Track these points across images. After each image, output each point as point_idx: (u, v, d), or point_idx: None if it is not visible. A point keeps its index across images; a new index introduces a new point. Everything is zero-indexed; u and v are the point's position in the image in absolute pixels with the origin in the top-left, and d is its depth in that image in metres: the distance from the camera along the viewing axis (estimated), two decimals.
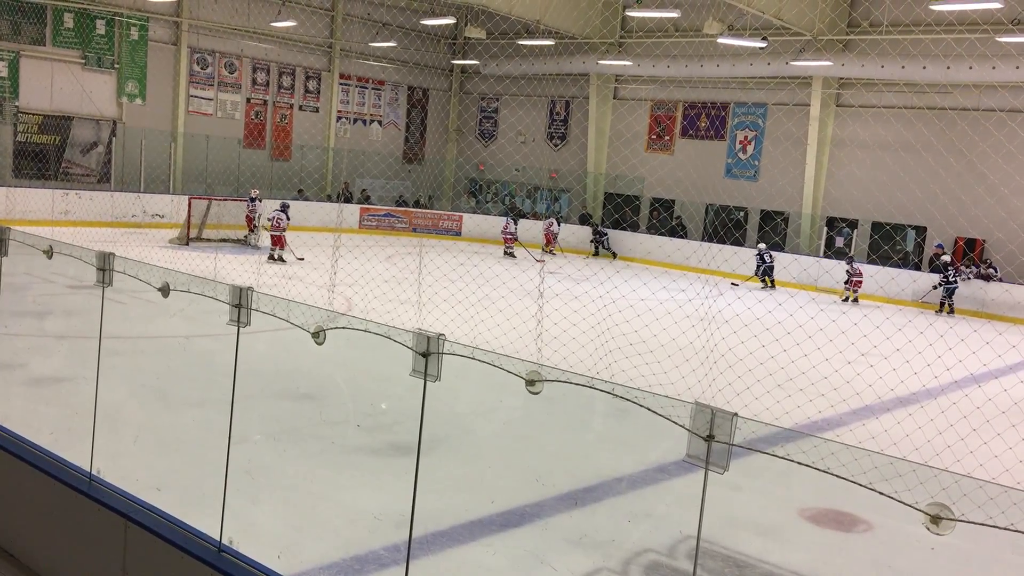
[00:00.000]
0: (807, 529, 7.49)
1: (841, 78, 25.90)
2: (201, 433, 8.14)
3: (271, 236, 21.26)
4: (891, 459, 3.11)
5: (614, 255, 28.22)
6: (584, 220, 30.64)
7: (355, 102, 32.93)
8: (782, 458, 3.18)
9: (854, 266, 22.92)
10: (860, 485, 3.02)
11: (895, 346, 12.51)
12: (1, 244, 6.22)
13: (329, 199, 30.06)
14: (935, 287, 22.10)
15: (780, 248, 26.11)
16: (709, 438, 3.24)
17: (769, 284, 23.78)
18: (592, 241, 28.72)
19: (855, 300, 22.68)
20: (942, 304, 22.02)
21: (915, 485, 3.00)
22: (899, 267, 23.93)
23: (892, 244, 25.25)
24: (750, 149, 28.38)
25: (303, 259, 21.03)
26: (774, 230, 27.02)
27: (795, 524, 7.59)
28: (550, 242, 28.36)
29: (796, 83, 26.32)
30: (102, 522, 5.11)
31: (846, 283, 22.90)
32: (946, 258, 22.34)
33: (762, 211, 27.99)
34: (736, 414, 3.22)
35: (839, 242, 26.38)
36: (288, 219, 21.59)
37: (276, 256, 21.02)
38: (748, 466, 3.40)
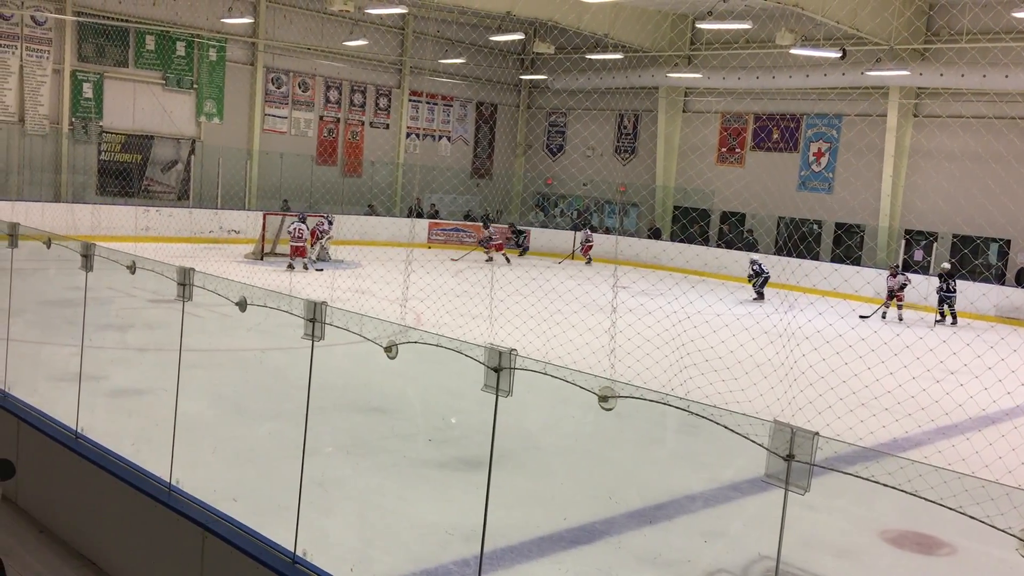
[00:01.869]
0: (888, 552, 7.25)
1: (920, 87, 25.23)
2: (275, 445, 8.27)
3: (291, 247, 21.72)
4: (982, 482, 2.98)
5: (523, 252, 29.66)
6: (656, 235, 30.40)
7: (424, 118, 33.30)
8: (866, 479, 3.07)
9: (900, 276, 21.05)
10: (950, 509, 2.90)
11: (986, 364, 12.07)
12: (87, 260, 6.42)
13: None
14: (940, 298, 20.84)
15: (857, 263, 25.43)
16: (789, 457, 3.15)
17: (759, 296, 22.80)
18: (511, 239, 29.60)
19: (900, 318, 20.72)
20: (942, 314, 20.81)
21: (1008, 509, 2.87)
22: (989, 282, 23.06)
23: (975, 257, 24.41)
24: (824, 161, 27.82)
25: (321, 270, 21.56)
26: (847, 245, 26.38)
27: (875, 546, 7.36)
28: (587, 252, 28.81)
29: (876, 93, 25.72)
30: (181, 531, 5.21)
31: (890, 297, 21.04)
32: (946, 266, 21.16)
33: (837, 224, 27.39)
34: (817, 433, 3.13)
35: (918, 255, 25.63)
36: (308, 229, 21.96)
37: (293, 266, 21.30)
38: (826, 485, 3.30)
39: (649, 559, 6.67)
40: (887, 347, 12.00)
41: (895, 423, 10.08)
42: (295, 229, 21.69)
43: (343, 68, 30.42)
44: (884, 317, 20.83)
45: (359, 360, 9.52)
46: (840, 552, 7.16)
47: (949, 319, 20.64)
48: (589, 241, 29.19)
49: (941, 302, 20.86)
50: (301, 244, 21.59)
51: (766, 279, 22.87)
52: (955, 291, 20.69)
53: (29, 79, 24.07)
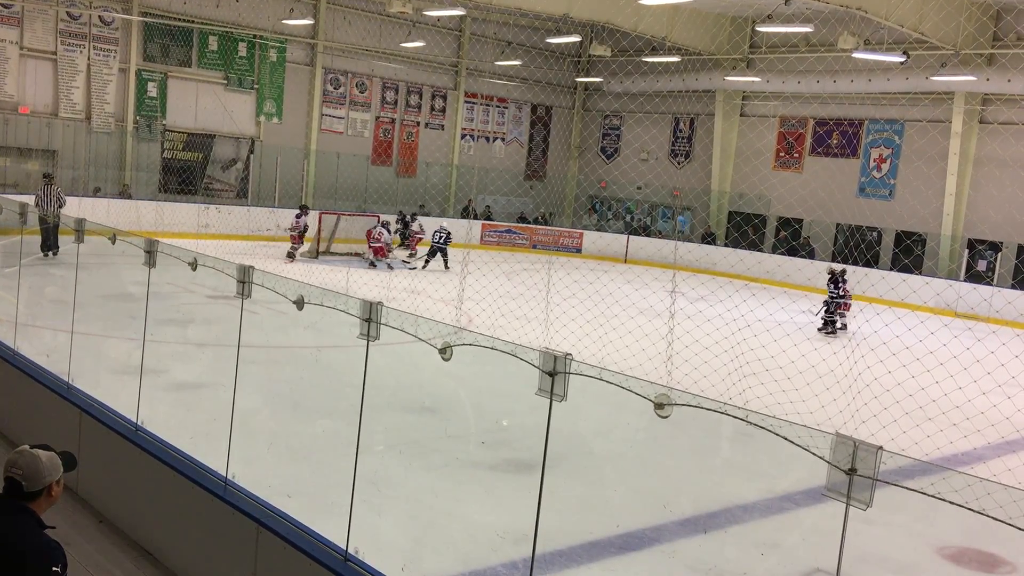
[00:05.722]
0: (946, 568, 7.07)
1: (984, 94, 24.59)
2: (329, 442, 8.35)
3: (290, 235, 22.66)
4: None
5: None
6: (705, 239, 30.04)
7: (479, 120, 33.40)
8: (932, 496, 2.99)
9: (843, 285, 18.15)
10: (1019, 528, 2.80)
11: None
12: (150, 256, 6.55)
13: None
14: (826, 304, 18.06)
15: (909, 270, 24.57)
16: (851, 472, 3.09)
17: (444, 265, 22.80)
18: (398, 232, 27.02)
19: (842, 326, 18.05)
20: (828, 321, 17.94)
21: None
22: None
23: None
24: (885, 167, 27.26)
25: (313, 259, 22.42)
26: (907, 251, 25.73)
27: (933, 563, 7.18)
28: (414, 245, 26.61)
29: (937, 98, 25.12)
30: (236, 526, 5.28)
31: (829, 309, 18.02)
32: (836, 267, 18.71)
33: (897, 232, 26.78)
34: (881, 448, 3.05)
35: (982, 265, 24.97)
36: (305, 222, 22.74)
37: (291, 253, 22.36)
38: (884, 499, 3.22)
39: (703, 569, 6.58)
40: (956, 361, 11.66)
41: (963, 439, 9.79)
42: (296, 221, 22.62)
43: (400, 69, 30.66)
44: (844, 328, 18.12)
45: (412, 360, 9.57)
46: (898, 568, 6.99)
47: (840, 325, 17.99)
48: (419, 233, 26.44)
49: (831, 307, 17.91)
50: (295, 234, 22.49)
51: (438, 248, 22.66)
52: (846, 295, 18.06)
53: (96, 78, 24.68)
